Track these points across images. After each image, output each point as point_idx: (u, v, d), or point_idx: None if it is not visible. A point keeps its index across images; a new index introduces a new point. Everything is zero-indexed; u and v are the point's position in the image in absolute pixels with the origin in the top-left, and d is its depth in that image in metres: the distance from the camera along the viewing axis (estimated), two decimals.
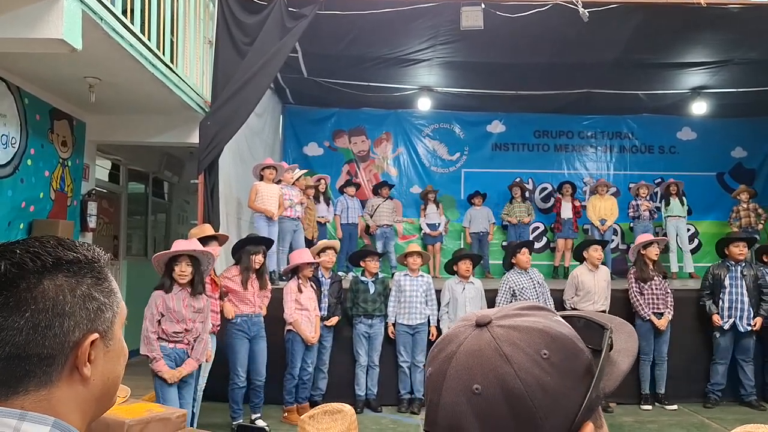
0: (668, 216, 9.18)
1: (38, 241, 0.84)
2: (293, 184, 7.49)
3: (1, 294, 0.78)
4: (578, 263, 6.90)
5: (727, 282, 6.51)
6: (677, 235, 9.12)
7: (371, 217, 9.10)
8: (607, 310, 6.40)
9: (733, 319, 6.42)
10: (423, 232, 9.66)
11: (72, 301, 0.82)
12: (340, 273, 8.63)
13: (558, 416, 0.64)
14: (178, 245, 4.73)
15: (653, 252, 6.53)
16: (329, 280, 6.35)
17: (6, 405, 0.78)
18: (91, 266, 0.86)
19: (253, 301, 5.60)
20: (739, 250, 6.57)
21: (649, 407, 6.50)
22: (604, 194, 9.38)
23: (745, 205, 8.97)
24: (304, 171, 8.39)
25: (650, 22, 6.76)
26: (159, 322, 4.50)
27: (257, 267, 5.63)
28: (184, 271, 4.56)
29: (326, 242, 6.45)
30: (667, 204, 9.21)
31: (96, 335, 0.84)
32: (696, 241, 10.10)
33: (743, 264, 6.60)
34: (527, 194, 10.02)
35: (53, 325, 0.80)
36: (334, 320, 6.27)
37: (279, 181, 7.22)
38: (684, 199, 9.21)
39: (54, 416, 0.79)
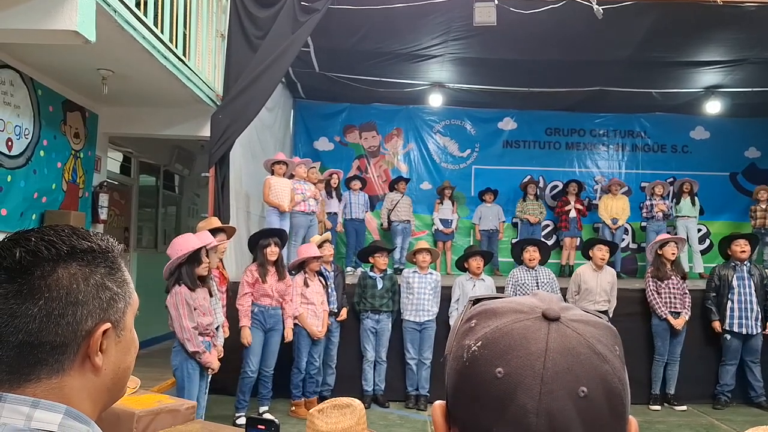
0: (678, 216, 9.09)
1: (53, 230, 0.84)
2: (305, 178, 7.49)
3: (16, 281, 0.79)
4: (583, 262, 6.87)
5: (735, 283, 6.43)
6: (687, 235, 9.04)
7: (391, 212, 9.08)
8: (609, 311, 6.38)
9: (742, 321, 6.36)
10: (435, 228, 9.64)
11: (85, 290, 0.82)
12: (348, 268, 8.65)
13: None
14: (188, 241, 4.64)
15: (670, 251, 6.47)
16: (333, 273, 6.36)
17: (18, 392, 0.78)
18: (105, 256, 0.86)
19: (272, 293, 5.63)
20: (741, 248, 6.46)
21: (658, 407, 6.47)
22: (617, 193, 9.32)
23: (763, 206, 8.83)
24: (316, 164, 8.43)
25: (665, 20, 6.70)
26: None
27: (273, 259, 5.65)
28: (206, 265, 4.59)
29: (319, 238, 6.42)
30: (677, 203, 9.13)
31: (108, 325, 0.84)
32: (707, 242, 10.02)
33: (749, 264, 6.53)
34: (539, 192, 10.00)
35: (66, 314, 0.80)
36: (344, 313, 6.28)
37: (291, 176, 7.23)
38: (696, 199, 9.11)
39: (66, 404, 0.80)
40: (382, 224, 9.31)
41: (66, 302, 0.80)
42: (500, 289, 6.45)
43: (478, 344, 0.64)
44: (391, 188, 9.42)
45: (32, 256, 0.80)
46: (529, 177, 10.06)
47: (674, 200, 9.28)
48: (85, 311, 0.82)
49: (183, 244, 4.47)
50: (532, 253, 6.41)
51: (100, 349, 0.83)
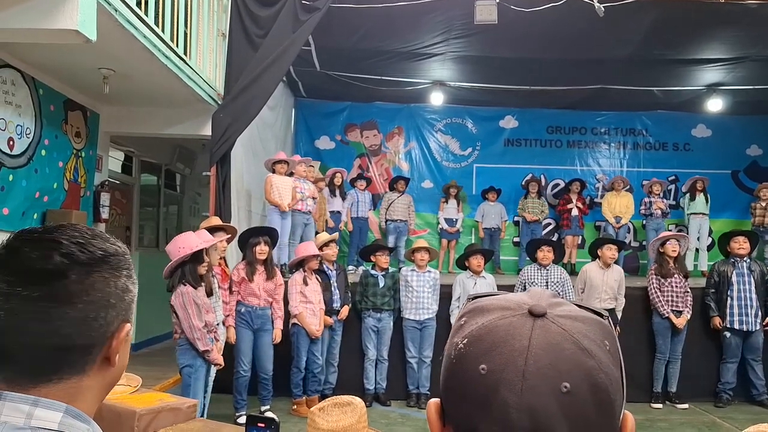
0: (692, 213, 9.04)
1: (76, 231, 0.84)
2: (305, 177, 7.49)
3: (50, 284, 0.79)
4: (584, 260, 6.86)
5: (734, 279, 6.43)
6: (699, 232, 9.02)
7: (386, 211, 9.07)
8: (617, 310, 6.37)
9: (742, 318, 6.35)
10: (440, 227, 9.64)
11: (115, 292, 0.84)
12: (350, 267, 8.65)
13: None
14: (190, 240, 4.67)
15: (670, 249, 6.46)
16: (335, 271, 6.37)
17: (34, 391, 0.79)
18: (125, 258, 0.88)
19: (259, 293, 5.60)
20: (739, 245, 6.46)
21: (660, 406, 6.47)
22: (620, 191, 9.30)
23: (763, 204, 8.80)
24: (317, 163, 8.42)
25: (666, 18, 6.69)
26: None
27: (262, 258, 5.63)
28: (207, 264, 4.61)
29: (327, 237, 6.42)
30: (692, 200, 9.08)
31: (129, 325, 0.87)
32: (710, 239, 10.00)
33: (748, 260, 6.52)
34: (541, 190, 10.01)
35: (99, 317, 0.82)
36: (345, 311, 6.28)
37: (291, 174, 7.24)
38: (708, 196, 9.09)
39: (74, 402, 0.80)
40: (380, 224, 9.30)
41: (100, 306, 0.82)
42: (504, 287, 6.45)
43: (465, 341, 0.65)
44: (391, 187, 9.42)
45: (68, 259, 0.80)
46: (530, 175, 10.04)
47: (687, 198, 9.25)
48: (114, 313, 0.84)
49: (185, 242, 4.49)
50: (546, 253, 6.42)
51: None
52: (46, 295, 0.78)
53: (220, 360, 4.68)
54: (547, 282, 6.36)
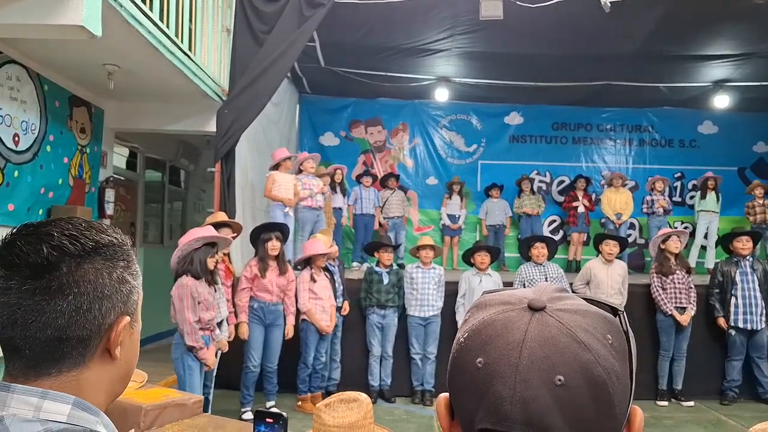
0: (702, 210, 8.98)
1: (70, 223, 0.84)
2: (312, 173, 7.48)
3: (43, 277, 0.79)
4: (589, 257, 6.84)
5: (738, 278, 6.40)
6: (707, 230, 8.97)
7: (381, 210, 9.07)
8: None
9: (746, 317, 6.32)
10: (442, 223, 9.62)
11: (109, 284, 0.84)
12: (355, 263, 8.64)
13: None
14: (199, 233, 4.68)
15: (673, 245, 6.44)
16: (337, 267, 6.37)
17: (35, 385, 0.79)
18: (122, 249, 0.88)
19: (272, 289, 5.61)
20: (742, 245, 6.45)
21: (666, 403, 6.45)
22: (619, 187, 9.27)
23: (760, 201, 8.73)
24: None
25: (673, 14, 6.65)
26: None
27: (274, 254, 5.63)
28: (214, 259, 4.62)
29: (326, 239, 6.37)
30: (703, 197, 9.02)
31: (128, 318, 0.86)
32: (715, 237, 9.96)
33: (751, 259, 6.49)
34: (537, 186, 9.99)
35: (93, 308, 0.81)
36: (346, 306, 6.27)
37: (300, 171, 7.23)
38: (719, 194, 9.03)
39: (80, 395, 0.81)
40: (380, 222, 9.25)
41: (93, 297, 0.81)
42: (509, 285, 6.43)
43: (465, 336, 0.66)
44: (383, 185, 9.38)
45: (58, 251, 0.80)
46: (522, 175, 9.94)
47: (698, 195, 9.21)
48: (109, 305, 0.83)
49: (198, 235, 4.54)
50: (540, 250, 6.40)
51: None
52: (38, 287, 0.78)
53: (210, 360, 4.59)
54: (546, 278, 6.33)
